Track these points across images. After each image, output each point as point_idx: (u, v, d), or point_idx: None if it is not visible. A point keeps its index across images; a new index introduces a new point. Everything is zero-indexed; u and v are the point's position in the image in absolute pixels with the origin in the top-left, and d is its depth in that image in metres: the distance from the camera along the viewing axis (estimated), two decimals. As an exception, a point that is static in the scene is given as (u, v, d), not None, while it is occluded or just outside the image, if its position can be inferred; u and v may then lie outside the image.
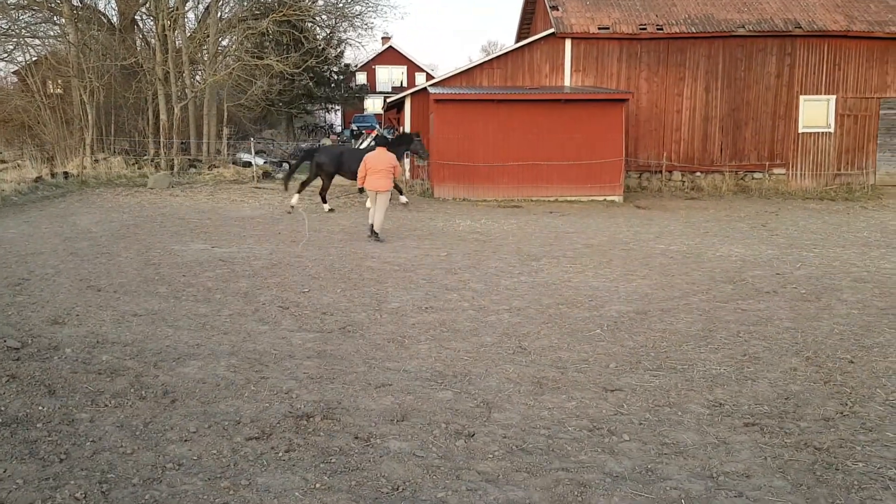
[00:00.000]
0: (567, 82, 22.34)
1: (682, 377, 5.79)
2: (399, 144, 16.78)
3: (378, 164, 12.32)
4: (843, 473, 4.17)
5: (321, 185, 16.80)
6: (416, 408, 5.05)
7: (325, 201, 16.55)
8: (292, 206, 16.26)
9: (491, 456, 4.34)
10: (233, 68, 25.59)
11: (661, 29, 22.19)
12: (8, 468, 4.03)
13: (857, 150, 22.78)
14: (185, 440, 4.46)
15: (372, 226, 12.47)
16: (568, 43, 22.23)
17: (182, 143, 24.88)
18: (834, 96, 22.59)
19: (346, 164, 16.38)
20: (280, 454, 4.31)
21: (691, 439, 4.62)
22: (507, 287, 9.09)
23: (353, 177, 16.24)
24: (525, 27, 29.68)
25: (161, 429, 4.62)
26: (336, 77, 43.50)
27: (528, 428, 4.76)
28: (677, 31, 22.19)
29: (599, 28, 22.19)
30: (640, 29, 22.20)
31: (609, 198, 19.64)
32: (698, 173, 22.56)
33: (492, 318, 7.61)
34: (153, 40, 25.99)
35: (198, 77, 27.09)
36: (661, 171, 22.37)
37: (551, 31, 22.13)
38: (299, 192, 16.67)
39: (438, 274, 9.79)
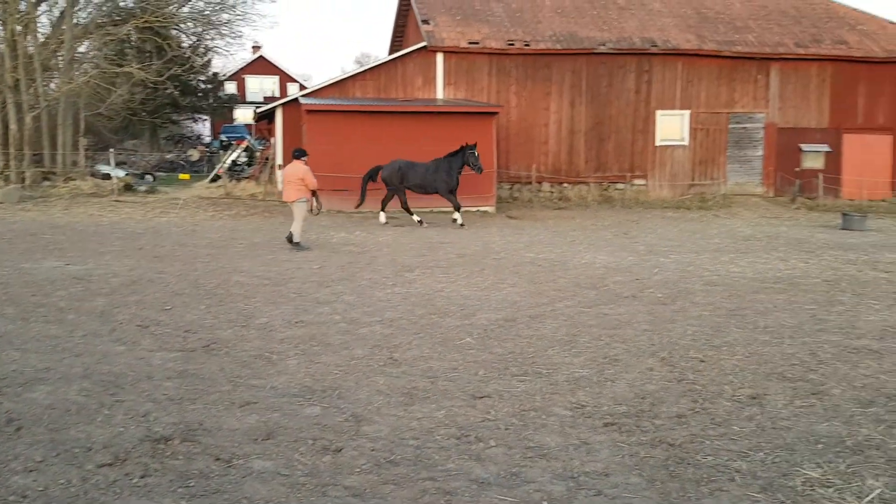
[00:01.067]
0: (440, 95, 22.65)
1: (547, 381, 5.96)
2: (454, 156, 16.88)
3: (290, 176, 13.03)
4: (693, 467, 4.41)
5: (385, 196, 17.27)
6: (282, 425, 4.93)
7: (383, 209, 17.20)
8: (383, 223, 16.81)
9: (358, 470, 4.30)
10: (91, 76, 24.29)
11: (529, 45, 22.92)
12: None
13: (709, 161, 24.36)
14: (31, 470, 4.16)
15: (290, 235, 12.90)
16: (440, 57, 22.55)
17: (35, 154, 23.34)
18: (688, 111, 24.07)
19: (408, 177, 16.86)
20: (135, 480, 4.09)
21: (554, 441, 4.76)
22: (380, 299, 9.07)
23: (420, 189, 17.02)
24: (398, 40, 29.90)
25: (3, 459, 4.29)
26: (203, 86, 42.09)
27: (396, 439, 4.75)
28: (544, 47, 22.99)
29: (469, 43, 22.65)
30: (509, 44, 22.84)
31: (482, 208, 20.03)
32: (566, 184, 23.42)
33: (364, 330, 7.56)
34: (1, 45, 24.25)
35: (52, 85, 25.50)
36: (531, 183, 23.04)
37: (423, 44, 22.39)
38: (383, 209, 17.21)
39: (310, 287, 9.64)
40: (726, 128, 24.34)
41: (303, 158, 13.17)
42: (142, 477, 4.13)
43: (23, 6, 23.36)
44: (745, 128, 24.43)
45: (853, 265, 12.13)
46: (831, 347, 7.00)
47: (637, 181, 23.84)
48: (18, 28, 22.82)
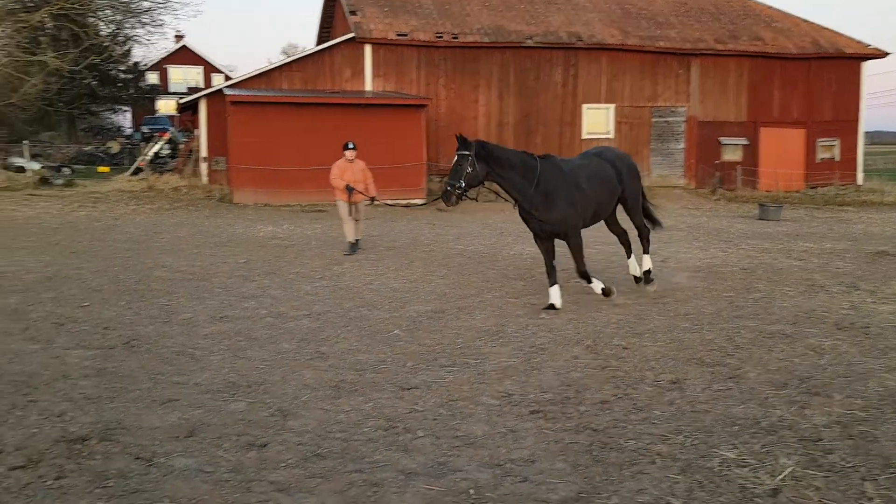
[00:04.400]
0: (368, 87, 22.51)
1: (475, 371, 6.00)
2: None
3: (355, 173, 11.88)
4: (616, 452, 4.51)
5: None
6: (205, 422, 4.83)
7: None
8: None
9: (284, 464, 4.24)
10: (2, 64, 23.19)
11: (457, 38, 22.99)
12: None
13: (633, 154, 24.79)
14: (-66, 478, 3.95)
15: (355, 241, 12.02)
16: (368, 48, 22.40)
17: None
18: (613, 105, 24.59)
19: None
20: (49, 482, 3.93)
21: (482, 430, 4.79)
22: (307, 292, 8.97)
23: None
24: (325, 31, 29.56)
25: None
26: (124, 76, 40.75)
27: (323, 433, 4.71)
28: (472, 40, 23.08)
29: (398, 34, 22.57)
30: (437, 37, 22.85)
31: (412, 201, 20.00)
32: (495, 177, 23.56)
33: (291, 324, 7.46)
34: None
35: (-42, 72, 24.27)
36: (460, 175, 23.08)
37: (351, 35, 22.21)
38: None
39: (236, 282, 9.46)
40: (650, 121, 24.97)
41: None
42: (56, 479, 3.98)
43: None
44: (667, 121, 25.10)
45: (769, 254, 12.61)
46: (748, 333, 7.26)
47: (564, 174, 24.19)
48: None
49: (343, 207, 11.84)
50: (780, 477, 4.13)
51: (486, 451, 4.48)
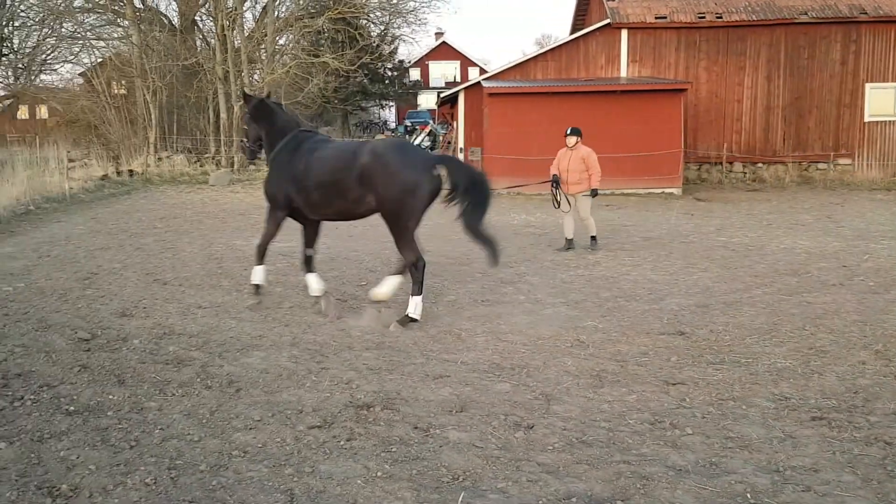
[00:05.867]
0: (623, 73, 22.04)
1: (746, 371, 5.67)
2: None
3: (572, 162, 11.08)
4: (917, 470, 4.03)
5: None
6: (474, 399, 5.06)
7: None
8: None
9: (551, 448, 4.32)
10: (290, 66, 25.96)
11: (721, 17, 21.71)
12: (81, 454, 4.17)
13: (927, 138, 21.92)
14: (250, 428, 4.56)
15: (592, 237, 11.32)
16: (624, 33, 21.92)
17: (242, 140, 25.35)
18: (903, 83, 21.76)
19: None
20: (342, 443, 4.36)
21: (756, 433, 4.52)
22: (563, 280, 9.03)
23: None
24: (580, 18, 29.38)
25: (226, 417, 4.73)
26: (390, 73, 43.75)
27: (588, 420, 4.73)
28: (737, 19, 21.67)
29: (656, 17, 21.83)
30: (699, 17, 21.75)
31: (667, 190, 19.33)
32: (760, 164, 22.03)
33: (548, 311, 7.57)
34: (213, 40, 26.53)
35: (256, 76, 27.56)
36: (721, 163, 21.91)
37: (607, 21, 21.86)
38: None
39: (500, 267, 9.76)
40: (950, 101, 21.75)
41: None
42: (348, 440, 4.40)
43: (230, 3, 25.37)
44: (974, 100, 21.70)
45: None
46: None
47: (842, 160, 21.94)
48: (226, 23, 24.81)
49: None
50: None
51: (763, 456, 4.22)
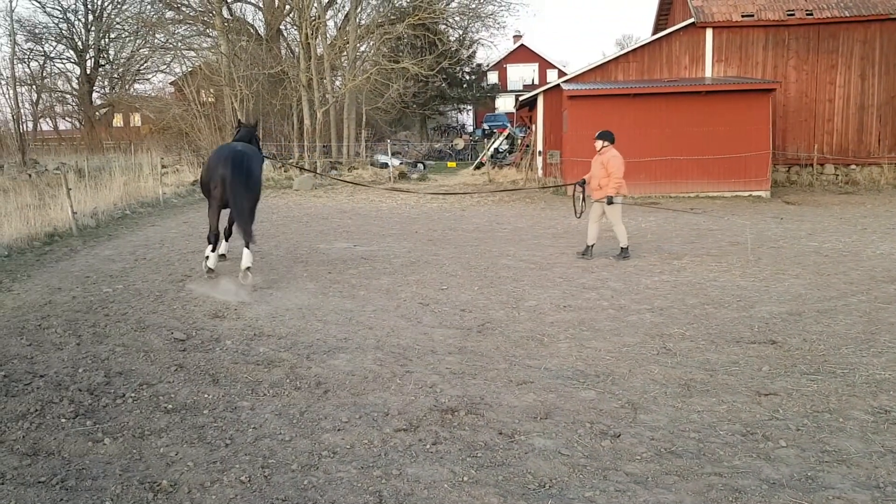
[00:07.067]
0: (708, 73, 21.49)
1: (843, 382, 5.45)
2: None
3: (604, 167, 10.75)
4: None
5: None
6: (558, 406, 5.04)
7: None
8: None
9: (638, 457, 4.26)
10: (370, 73, 26.39)
11: (811, 14, 20.92)
12: (179, 451, 4.36)
13: None
14: (338, 429, 4.66)
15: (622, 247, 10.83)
16: (709, 32, 21.38)
17: (324, 146, 25.94)
18: None
19: None
20: (427, 446, 4.41)
21: (855, 447, 4.35)
22: (647, 286, 8.87)
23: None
24: (662, 18, 28.80)
25: (315, 418, 4.85)
26: (468, 77, 43.92)
27: (676, 431, 4.64)
28: (829, 15, 20.84)
29: (743, 16, 21.20)
30: (788, 15, 21.02)
31: (755, 193, 18.75)
32: (853, 166, 21.10)
33: (633, 317, 7.45)
34: (297, 48, 27.24)
35: (338, 82, 28.16)
36: (811, 165, 21.10)
37: (691, 20, 21.36)
38: None
39: (575, 272, 9.69)
40: None
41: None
42: (433, 444, 4.45)
43: (313, 12, 25.98)
44: None
45: None
46: None
47: (944, 161, 20.79)
48: (310, 32, 25.42)
49: (595, 207, 10.77)
50: None
51: (862, 471, 4.06)
